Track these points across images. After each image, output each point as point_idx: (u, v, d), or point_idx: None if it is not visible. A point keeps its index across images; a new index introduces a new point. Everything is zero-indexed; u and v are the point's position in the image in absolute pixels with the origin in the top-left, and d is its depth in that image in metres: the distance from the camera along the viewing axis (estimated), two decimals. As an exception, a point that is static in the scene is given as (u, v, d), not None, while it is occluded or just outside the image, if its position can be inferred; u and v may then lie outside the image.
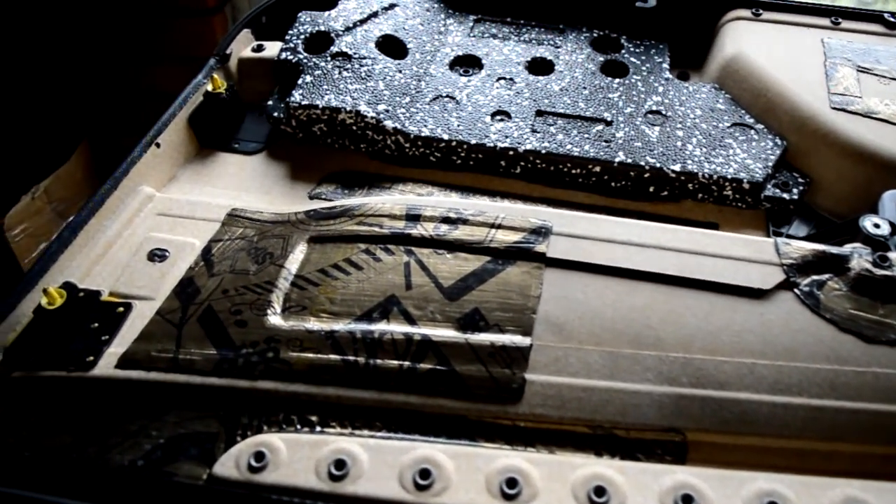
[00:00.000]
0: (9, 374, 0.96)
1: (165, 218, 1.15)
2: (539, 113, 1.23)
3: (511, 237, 1.01)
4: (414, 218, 1.04)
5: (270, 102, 1.30)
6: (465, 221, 1.03)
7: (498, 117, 1.23)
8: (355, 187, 1.20)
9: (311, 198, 1.19)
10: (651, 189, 1.17)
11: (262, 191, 1.21)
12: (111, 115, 2.05)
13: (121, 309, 1.02)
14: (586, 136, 1.20)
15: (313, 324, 0.95)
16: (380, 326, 0.94)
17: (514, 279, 0.97)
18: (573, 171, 1.18)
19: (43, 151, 1.93)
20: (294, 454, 0.84)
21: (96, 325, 1.00)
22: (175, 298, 1.02)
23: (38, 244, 1.72)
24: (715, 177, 1.14)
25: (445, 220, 1.03)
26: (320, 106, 1.21)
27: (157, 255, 1.08)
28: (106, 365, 0.95)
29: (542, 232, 1.01)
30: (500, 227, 1.02)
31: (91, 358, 0.95)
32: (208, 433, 0.89)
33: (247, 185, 1.23)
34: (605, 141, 1.19)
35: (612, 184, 1.18)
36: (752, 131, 1.21)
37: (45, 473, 0.87)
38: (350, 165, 1.25)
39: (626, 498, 0.79)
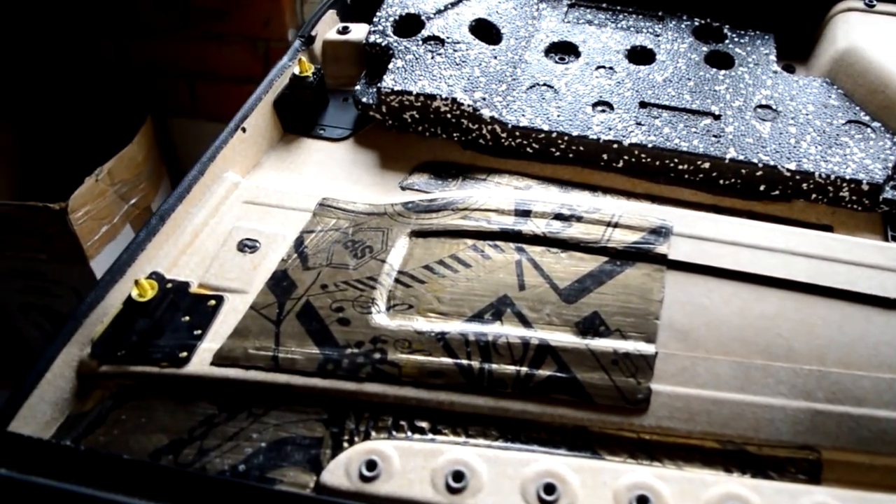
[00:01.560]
0: (97, 368, 0.92)
1: (252, 206, 1.10)
2: (643, 104, 1.17)
3: (629, 237, 0.95)
4: (524, 213, 0.98)
5: (358, 87, 1.24)
6: (579, 219, 0.97)
7: (599, 108, 1.17)
8: (448, 178, 1.14)
9: (402, 188, 1.14)
10: (762, 188, 1.11)
11: (350, 180, 1.16)
12: (172, 95, 2.00)
13: (212, 302, 0.97)
14: (694, 130, 1.13)
15: (422, 324, 0.90)
16: (494, 328, 0.89)
17: (633, 282, 0.91)
18: (680, 167, 1.12)
19: (106, 131, 1.90)
20: (408, 463, 0.80)
21: (187, 318, 0.96)
22: (269, 292, 0.97)
23: (101, 227, 1.68)
24: (832, 177, 1.08)
25: (558, 216, 0.98)
26: (414, 92, 1.16)
27: (247, 246, 1.04)
28: (200, 361, 0.90)
29: (662, 232, 0.95)
30: (617, 225, 0.96)
31: (184, 354, 0.91)
32: (313, 438, 0.84)
33: (334, 174, 1.17)
34: (715, 136, 1.12)
35: (721, 181, 1.12)
36: (869, 129, 1.15)
37: (138, 475, 0.81)
38: (441, 155, 1.19)
39: None
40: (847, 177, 1.08)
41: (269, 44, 1.83)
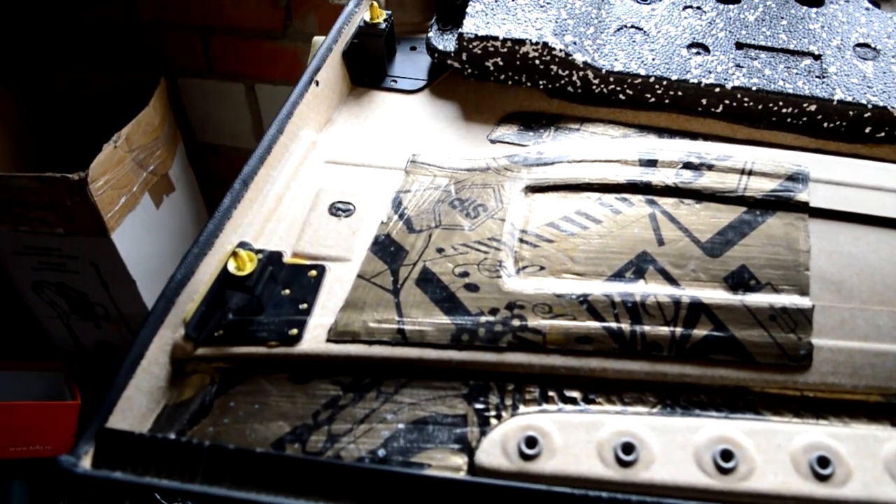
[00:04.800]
0: (192, 351, 0.82)
1: (335, 166, 1.01)
2: (739, 45, 1.10)
3: (767, 185, 0.89)
4: (649, 163, 0.92)
5: (431, 34, 1.14)
6: (710, 167, 0.91)
7: (694, 50, 1.10)
8: (539, 129, 1.06)
9: (492, 141, 1.05)
10: (868, 130, 1.06)
11: (435, 134, 1.07)
12: (184, 53, 1.86)
13: (313, 272, 0.89)
14: (795, 71, 1.07)
15: (559, 286, 0.83)
16: (639, 288, 0.82)
17: (777, 232, 0.86)
18: (784, 110, 1.06)
19: (112, 96, 1.75)
20: (569, 437, 0.73)
21: (287, 291, 0.87)
22: (376, 259, 0.89)
23: (120, 197, 1.54)
24: (942, 117, 1.03)
25: (687, 165, 0.91)
26: (500, 37, 1.07)
27: (340, 210, 0.95)
28: (314, 338, 0.82)
29: (800, 178, 0.89)
30: (751, 173, 0.90)
31: (294, 331, 0.82)
32: (455, 415, 0.77)
33: (415, 128, 1.08)
34: (818, 77, 1.06)
35: (825, 124, 1.06)
36: (968, 66, 1.10)
37: (261, 468, 0.73)
38: (526, 104, 1.11)
39: None
40: (957, 116, 1.04)
41: (292, -6, 1.70)
